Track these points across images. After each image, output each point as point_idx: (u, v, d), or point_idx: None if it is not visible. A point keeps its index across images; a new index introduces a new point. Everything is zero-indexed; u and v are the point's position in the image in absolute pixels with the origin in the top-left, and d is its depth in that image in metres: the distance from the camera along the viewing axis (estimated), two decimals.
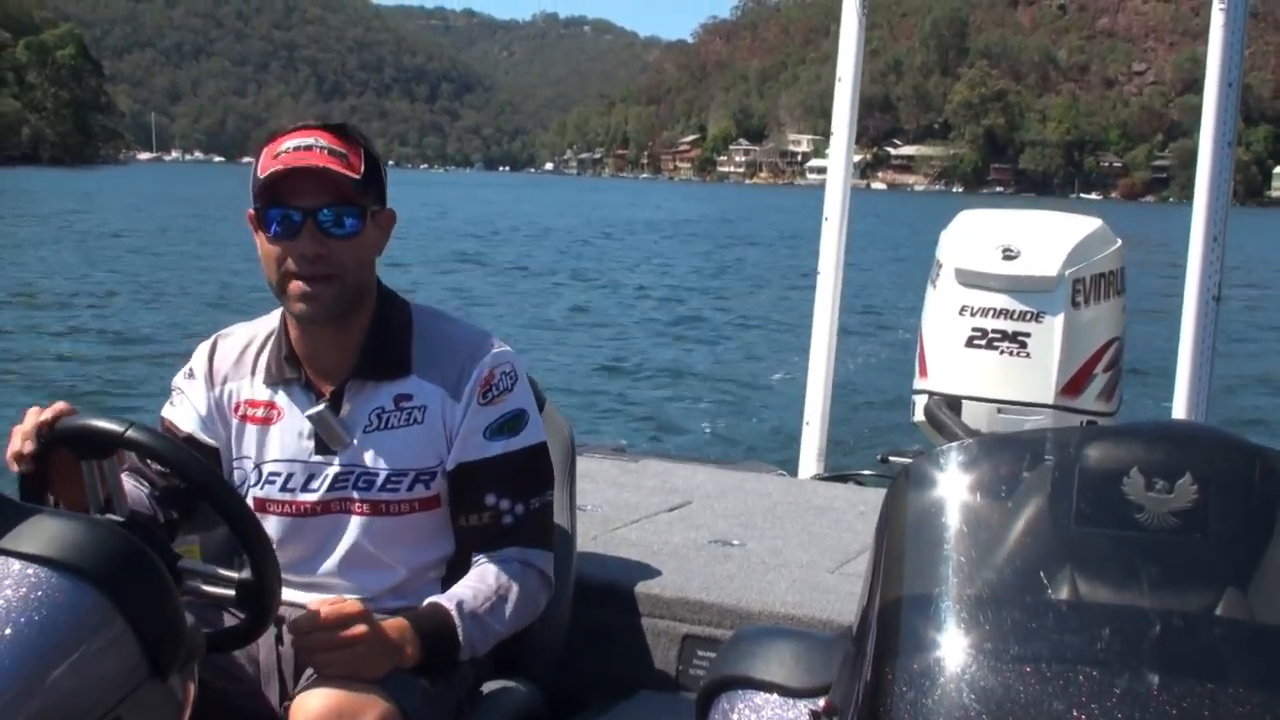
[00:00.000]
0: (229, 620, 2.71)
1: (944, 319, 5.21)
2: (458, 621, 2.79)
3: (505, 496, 2.97)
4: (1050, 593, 1.72)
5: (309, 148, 2.82)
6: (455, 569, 3.05)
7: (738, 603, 3.65)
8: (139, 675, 2.17)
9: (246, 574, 2.51)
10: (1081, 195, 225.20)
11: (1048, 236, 5.18)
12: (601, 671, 3.65)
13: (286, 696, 2.81)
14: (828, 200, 6.55)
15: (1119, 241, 5.29)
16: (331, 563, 3.01)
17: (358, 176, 2.85)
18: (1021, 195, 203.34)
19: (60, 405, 2.63)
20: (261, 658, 2.96)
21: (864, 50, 6.48)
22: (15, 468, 2.61)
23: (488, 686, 3.09)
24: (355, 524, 2.99)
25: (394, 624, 2.71)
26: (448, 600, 2.82)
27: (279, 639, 2.95)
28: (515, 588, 2.92)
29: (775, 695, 1.99)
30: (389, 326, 3.01)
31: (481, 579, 2.90)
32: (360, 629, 2.62)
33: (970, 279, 5.13)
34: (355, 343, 2.99)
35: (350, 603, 2.65)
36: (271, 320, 3.12)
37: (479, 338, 3.07)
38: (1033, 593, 1.73)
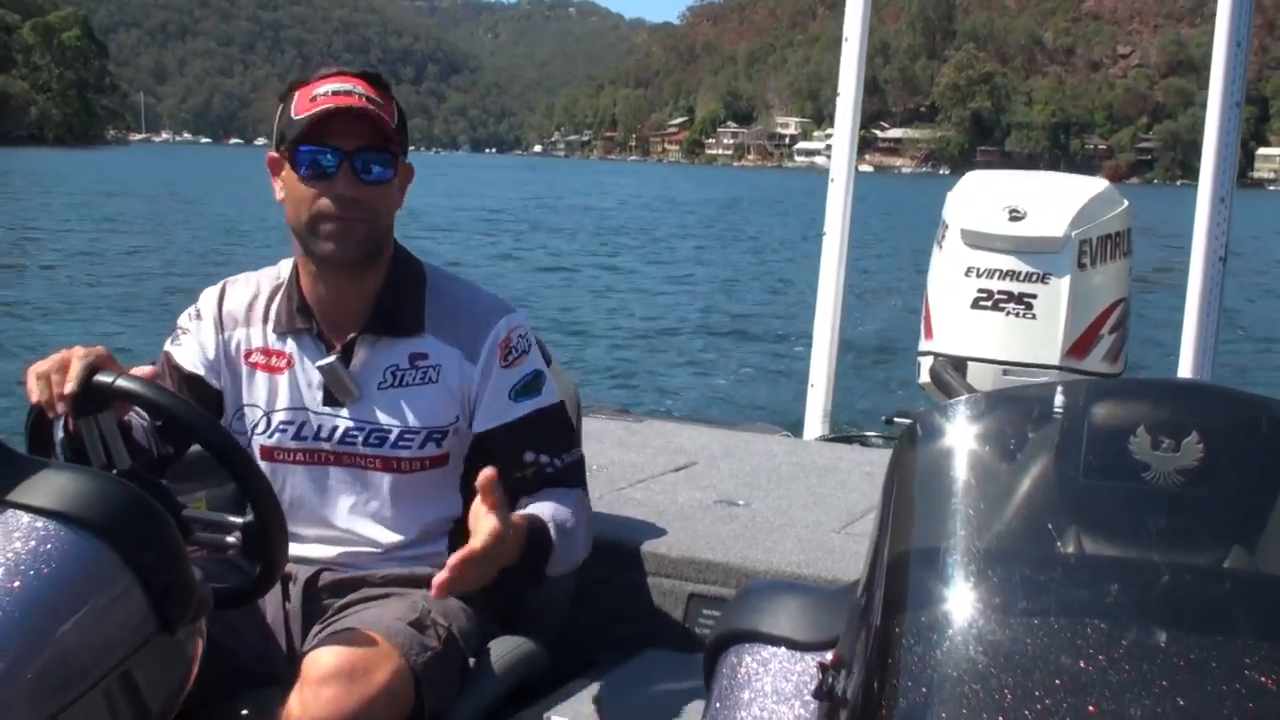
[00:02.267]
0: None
1: (950, 280, 5.20)
2: (552, 533, 2.77)
3: (543, 452, 2.97)
4: (1057, 546, 1.71)
5: (349, 92, 2.84)
6: (462, 527, 3.04)
7: (743, 562, 3.64)
8: (147, 629, 2.16)
9: (250, 517, 2.51)
10: None
11: (1054, 197, 5.17)
12: (607, 630, 3.64)
13: (293, 654, 2.82)
14: (834, 162, 6.55)
15: (1126, 203, 5.27)
16: (341, 516, 3.01)
17: (394, 123, 2.88)
18: None
19: (96, 352, 2.56)
20: (269, 616, 2.95)
21: (869, 13, 6.45)
22: (59, 409, 2.52)
23: (494, 645, 3.08)
24: (365, 479, 2.99)
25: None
26: (536, 512, 2.79)
27: (286, 596, 2.96)
28: (581, 517, 2.92)
29: (783, 649, 1.99)
30: (403, 284, 3.02)
31: (551, 506, 2.87)
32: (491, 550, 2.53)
33: (976, 240, 5.13)
34: (369, 297, 2.99)
35: (489, 528, 2.52)
36: (279, 271, 3.12)
37: (492, 301, 3.08)
38: (1040, 546, 1.73)
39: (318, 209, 2.85)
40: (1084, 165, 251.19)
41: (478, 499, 2.52)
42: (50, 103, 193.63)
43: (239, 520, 2.52)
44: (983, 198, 5.24)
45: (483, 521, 2.51)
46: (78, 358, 2.52)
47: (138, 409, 2.93)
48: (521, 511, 2.77)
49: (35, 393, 2.54)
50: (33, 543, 2.07)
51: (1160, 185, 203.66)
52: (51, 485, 2.15)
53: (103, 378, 2.50)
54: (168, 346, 3.10)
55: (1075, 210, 5.06)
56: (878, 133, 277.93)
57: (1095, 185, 5.28)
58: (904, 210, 60.04)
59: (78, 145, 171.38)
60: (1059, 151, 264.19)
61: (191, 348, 3.07)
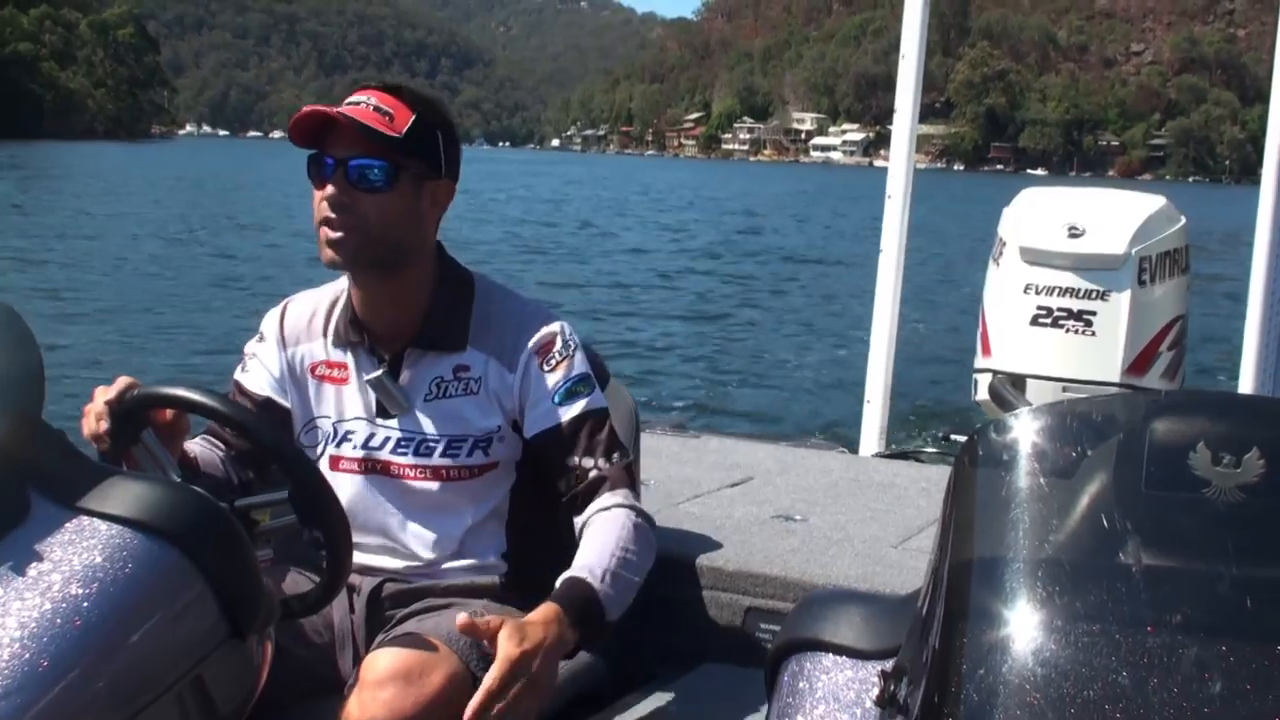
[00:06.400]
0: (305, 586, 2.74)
1: (1008, 297, 5.20)
2: (597, 587, 2.74)
3: (588, 455, 2.96)
4: (1119, 560, 1.72)
5: (357, 104, 2.88)
6: (518, 536, 3.09)
7: (801, 576, 3.65)
8: (218, 635, 2.20)
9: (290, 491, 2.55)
10: (1080, 174, 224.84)
11: (1113, 214, 5.18)
12: (666, 643, 3.66)
13: (359, 662, 2.82)
14: (890, 178, 6.57)
15: (1183, 219, 5.28)
16: (397, 526, 3.04)
17: (396, 135, 2.87)
18: (1022, 173, 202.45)
19: (123, 380, 2.68)
20: (336, 623, 2.99)
21: (926, 27, 6.47)
22: (97, 448, 2.62)
23: None
24: (417, 489, 3.02)
25: (545, 615, 2.63)
26: (579, 571, 2.78)
27: (351, 607, 2.99)
28: (631, 533, 2.88)
29: (845, 657, 2.00)
30: (451, 299, 3.05)
31: (597, 537, 2.87)
32: (530, 668, 2.54)
33: (1035, 257, 5.13)
34: (416, 312, 3.02)
35: (508, 648, 2.53)
36: (339, 285, 3.16)
37: (532, 309, 3.10)
38: (1102, 558, 1.74)
39: (317, 214, 2.90)
40: (1097, 162, 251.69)
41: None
42: (106, 98, 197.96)
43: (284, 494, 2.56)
44: (1041, 215, 5.24)
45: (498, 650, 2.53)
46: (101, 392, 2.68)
47: (209, 442, 3.05)
48: (563, 577, 2.76)
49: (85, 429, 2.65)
50: (107, 550, 2.11)
51: (1172, 182, 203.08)
52: (124, 492, 2.18)
53: (176, 392, 2.61)
54: (237, 375, 3.17)
55: (1135, 227, 5.06)
56: (892, 129, 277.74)
57: (1153, 202, 5.28)
58: (929, 210, 60.02)
59: (126, 139, 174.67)
60: (1072, 148, 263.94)
61: (259, 372, 3.14)
